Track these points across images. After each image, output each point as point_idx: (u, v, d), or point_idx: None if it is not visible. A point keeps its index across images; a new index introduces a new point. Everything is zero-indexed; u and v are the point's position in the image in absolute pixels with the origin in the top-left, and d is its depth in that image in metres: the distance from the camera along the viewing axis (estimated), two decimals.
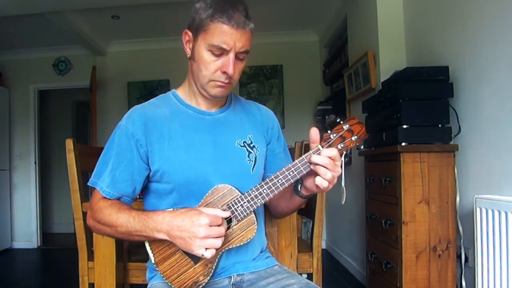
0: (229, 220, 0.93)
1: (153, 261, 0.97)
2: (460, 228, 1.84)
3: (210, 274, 0.96)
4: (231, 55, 0.93)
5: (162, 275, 0.97)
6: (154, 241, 0.95)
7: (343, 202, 1.01)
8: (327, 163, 0.85)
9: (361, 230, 2.86)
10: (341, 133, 0.89)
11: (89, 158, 1.68)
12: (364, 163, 2.43)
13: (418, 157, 1.82)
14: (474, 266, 1.59)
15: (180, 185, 0.98)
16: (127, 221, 0.92)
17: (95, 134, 4.27)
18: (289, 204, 1.07)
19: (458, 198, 1.84)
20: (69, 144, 1.63)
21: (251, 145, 1.06)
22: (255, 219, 0.94)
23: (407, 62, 2.53)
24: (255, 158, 1.05)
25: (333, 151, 0.86)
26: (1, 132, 4.59)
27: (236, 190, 0.94)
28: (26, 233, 4.75)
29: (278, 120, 1.20)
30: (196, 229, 0.83)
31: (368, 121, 2.30)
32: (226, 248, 0.95)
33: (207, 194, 0.95)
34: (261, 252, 1.11)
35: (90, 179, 1.03)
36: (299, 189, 0.98)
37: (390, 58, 2.56)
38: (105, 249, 1.44)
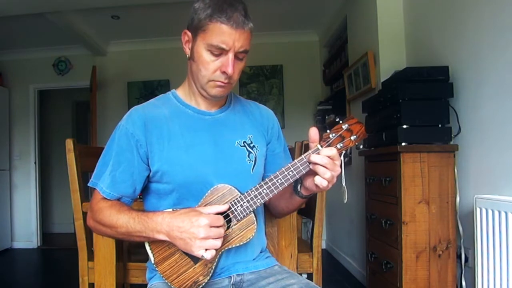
0: (228, 220, 0.93)
1: (152, 261, 0.97)
2: (460, 228, 1.84)
3: (210, 274, 0.96)
4: (230, 55, 0.93)
5: (162, 275, 0.97)
6: (154, 241, 0.95)
7: (345, 201, 1.01)
8: (326, 162, 0.85)
9: (361, 230, 2.86)
10: (340, 133, 0.89)
11: (89, 158, 1.68)
12: (364, 163, 2.43)
13: (418, 157, 1.82)
14: (474, 266, 1.59)
15: (180, 185, 0.98)
16: (127, 222, 0.92)
17: (95, 134, 4.27)
18: (288, 204, 1.07)
19: (458, 198, 1.84)
20: (69, 144, 1.63)
21: (251, 145, 1.06)
22: (254, 219, 0.94)
23: (407, 62, 2.53)
24: (255, 158, 1.05)
25: (332, 151, 0.86)
26: (1, 132, 4.59)
27: (236, 190, 0.94)
28: (26, 233, 4.75)
29: (278, 120, 1.20)
30: (196, 230, 0.83)
31: (368, 121, 2.30)
32: (226, 248, 0.95)
33: (206, 194, 0.95)
34: (261, 252, 1.11)
35: (90, 179, 1.03)
36: (299, 189, 0.98)
37: (390, 58, 2.56)
38: (105, 249, 1.44)
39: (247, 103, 1.17)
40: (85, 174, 1.70)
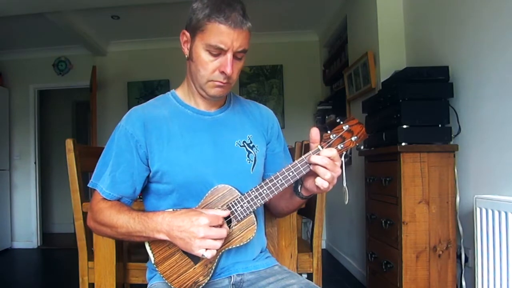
0: (229, 221, 0.93)
1: (153, 261, 0.97)
2: (460, 228, 1.85)
3: (210, 274, 0.96)
4: (229, 55, 0.93)
5: (162, 275, 0.97)
6: (154, 241, 0.95)
7: (346, 202, 1.01)
8: (326, 163, 0.85)
9: (361, 230, 2.86)
10: (341, 134, 0.89)
11: (89, 158, 1.68)
12: (364, 163, 2.43)
13: (418, 157, 1.82)
14: (474, 266, 1.59)
15: (180, 185, 0.98)
16: (127, 222, 0.92)
17: (95, 134, 4.27)
18: (289, 204, 1.07)
19: (458, 198, 1.84)
20: (69, 144, 1.63)
21: (251, 145, 1.06)
22: (255, 219, 0.94)
23: (407, 62, 2.53)
24: (255, 158, 1.05)
25: (333, 151, 0.86)
26: (1, 132, 4.59)
27: (236, 191, 0.94)
28: (26, 233, 4.75)
29: (278, 120, 1.20)
30: (196, 229, 0.83)
31: (368, 121, 2.30)
32: (226, 249, 0.95)
33: (206, 195, 0.95)
34: (261, 252, 1.11)
35: (90, 180, 1.03)
36: (299, 190, 0.98)
37: (390, 58, 2.56)
38: (105, 249, 1.44)
39: (246, 103, 1.17)
40: (85, 174, 1.70)
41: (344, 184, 0.93)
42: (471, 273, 1.73)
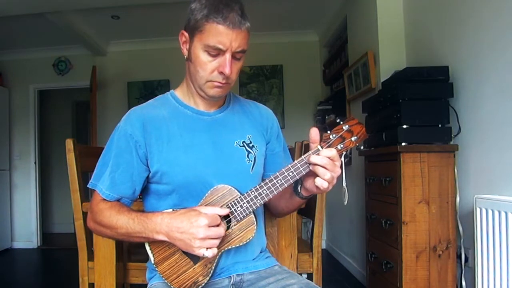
0: (228, 221, 0.93)
1: (152, 261, 0.97)
2: (460, 228, 1.84)
3: (210, 274, 0.96)
4: (228, 55, 0.93)
5: (161, 275, 0.97)
6: (154, 242, 0.95)
7: (345, 203, 1.01)
8: (326, 163, 0.85)
9: (361, 230, 2.86)
10: (340, 134, 0.89)
11: (89, 158, 1.68)
12: (364, 163, 2.43)
13: (418, 157, 1.82)
14: (474, 266, 1.59)
15: (179, 186, 0.98)
16: (127, 222, 0.92)
17: (95, 134, 4.27)
18: (288, 204, 1.07)
19: (458, 198, 1.84)
20: (69, 144, 1.63)
21: (250, 145, 1.06)
22: (254, 219, 0.94)
23: (407, 62, 2.53)
24: (255, 158, 1.05)
25: (332, 152, 0.86)
26: (1, 132, 4.59)
27: (236, 191, 0.94)
28: (26, 233, 4.75)
29: (278, 120, 1.20)
30: (195, 230, 0.83)
31: (368, 121, 2.30)
32: (226, 249, 0.95)
33: (206, 195, 0.95)
34: (261, 252, 1.11)
35: (90, 181, 1.03)
36: (299, 190, 0.98)
37: (390, 58, 2.56)
38: (105, 249, 1.44)
39: (246, 102, 1.17)
40: (85, 174, 1.70)
41: (344, 185, 0.93)
42: (471, 273, 1.73)
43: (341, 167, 0.89)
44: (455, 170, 1.84)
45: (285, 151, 1.19)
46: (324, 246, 4.24)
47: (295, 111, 4.49)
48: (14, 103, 4.81)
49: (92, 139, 4.39)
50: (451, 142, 1.88)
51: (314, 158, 0.86)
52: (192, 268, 0.95)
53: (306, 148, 1.63)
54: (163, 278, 0.97)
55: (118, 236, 0.95)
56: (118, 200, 1.00)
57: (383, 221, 2.00)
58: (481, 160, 1.76)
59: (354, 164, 3.15)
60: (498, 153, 1.64)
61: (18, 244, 4.71)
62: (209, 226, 0.85)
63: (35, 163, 4.82)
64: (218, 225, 0.87)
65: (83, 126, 6.04)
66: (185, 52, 1.01)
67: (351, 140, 0.89)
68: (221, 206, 0.93)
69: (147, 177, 1.01)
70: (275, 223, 1.34)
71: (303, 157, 0.89)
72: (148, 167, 1.00)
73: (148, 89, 4.58)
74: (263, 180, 0.93)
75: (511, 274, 1.38)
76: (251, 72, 4.53)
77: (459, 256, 1.84)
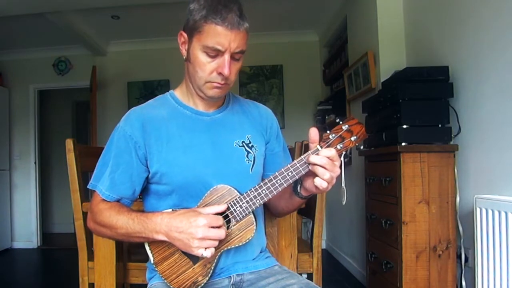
0: (228, 221, 0.93)
1: (152, 261, 0.97)
2: (460, 228, 1.84)
3: (209, 274, 0.96)
4: (226, 56, 0.92)
5: (161, 275, 0.97)
6: (153, 242, 0.95)
7: (343, 203, 1.01)
8: (325, 163, 0.85)
9: (361, 230, 2.86)
10: (340, 134, 0.89)
11: (89, 158, 1.68)
12: (364, 163, 2.43)
13: (418, 157, 1.82)
14: (474, 266, 1.59)
15: (179, 186, 0.98)
16: (126, 223, 0.92)
17: (95, 134, 4.27)
18: (288, 204, 1.07)
19: (458, 198, 1.84)
20: (69, 144, 1.63)
21: (250, 145, 1.06)
22: (254, 219, 0.94)
23: (407, 62, 2.53)
24: (254, 158, 1.05)
25: (332, 151, 0.86)
26: (1, 132, 4.59)
27: (235, 191, 0.94)
28: (26, 233, 4.75)
29: (278, 120, 1.20)
30: (194, 230, 0.84)
31: (368, 121, 2.30)
32: (225, 249, 0.95)
33: (206, 195, 0.95)
34: (260, 252, 1.11)
35: (90, 181, 1.03)
36: (299, 190, 0.98)
37: (390, 58, 2.56)
38: (105, 249, 1.44)
39: (245, 102, 1.17)
40: (85, 174, 1.70)
41: (343, 185, 0.93)
42: (471, 273, 1.72)
43: (340, 167, 0.89)
44: (455, 170, 1.84)
45: (284, 151, 1.19)
46: (324, 246, 4.24)
47: (295, 111, 4.48)
48: (14, 103, 4.81)
49: (92, 139, 4.40)
50: (451, 142, 1.88)
51: (313, 158, 0.86)
52: (192, 268, 0.95)
53: (306, 148, 1.62)
54: (163, 278, 0.97)
55: (118, 236, 0.95)
56: (118, 201, 1.00)
57: (383, 221, 2.00)
58: (481, 160, 1.76)
59: (354, 164, 3.15)
60: (498, 153, 1.64)
61: (18, 244, 4.71)
62: (210, 227, 0.85)
63: (35, 163, 4.82)
64: (219, 227, 0.87)
65: (83, 126, 6.04)
66: (184, 52, 1.01)
67: (350, 140, 0.89)
68: None
69: (147, 178, 1.01)
70: (275, 223, 1.34)
71: (302, 157, 0.89)
72: (147, 167, 1.00)
73: (148, 89, 4.58)
74: (262, 180, 0.93)
75: (511, 274, 1.38)
76: (251, 72, 4.53)
77: (459, 256, 1.84)
